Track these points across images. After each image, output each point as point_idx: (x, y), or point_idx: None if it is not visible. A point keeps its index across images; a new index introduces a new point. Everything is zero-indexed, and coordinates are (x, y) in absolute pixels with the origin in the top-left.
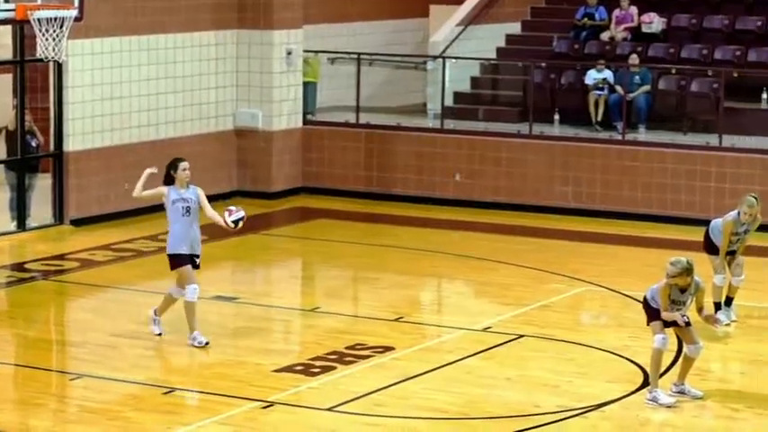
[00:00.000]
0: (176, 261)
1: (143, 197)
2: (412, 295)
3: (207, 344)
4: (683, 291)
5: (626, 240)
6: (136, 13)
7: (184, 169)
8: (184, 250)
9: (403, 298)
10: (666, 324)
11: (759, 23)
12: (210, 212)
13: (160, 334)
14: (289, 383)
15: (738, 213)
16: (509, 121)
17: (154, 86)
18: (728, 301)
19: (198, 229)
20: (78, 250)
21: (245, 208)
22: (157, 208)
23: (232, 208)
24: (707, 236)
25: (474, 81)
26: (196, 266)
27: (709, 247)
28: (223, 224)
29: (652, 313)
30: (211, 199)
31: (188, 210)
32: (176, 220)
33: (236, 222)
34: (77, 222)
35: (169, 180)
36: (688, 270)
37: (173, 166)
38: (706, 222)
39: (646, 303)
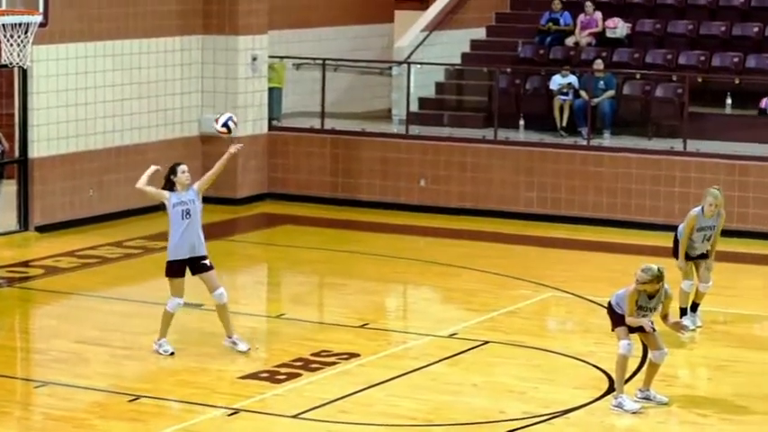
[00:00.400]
0: (170, 269)
1: (146, 191)
2: (377, 301)
3: (172, 353)
4: (650, 297)
5: (591, 246)
6: (101, 19)
7: (183, 172)
8: (184, 255)
9: (368, 304)
10: (632, 330)
11: (723, 29)
12: (215, 168)
13: (249, 349)
14: (254, 390)
15: (702, 208)
16: (474, 127)
17: (119, 92)
18: (694, 307)
19: (199, 230)
20: (43, 257)
21: (211, 209)
22: (123, 214)
23: (217, 116)
24: (675, 241)
25: (439, 86)
26: (209, 267)
27: (678, 252)
28: (225, 159)
29: (617, 319)
30: None
31: (187, 212)
32: (176, 224)
33: (226, 126)
34: (42, 229)
35: (170, 186)
36: (659, 277)
37: (172, 171)
38: (671, 227)
39: (610, 309)
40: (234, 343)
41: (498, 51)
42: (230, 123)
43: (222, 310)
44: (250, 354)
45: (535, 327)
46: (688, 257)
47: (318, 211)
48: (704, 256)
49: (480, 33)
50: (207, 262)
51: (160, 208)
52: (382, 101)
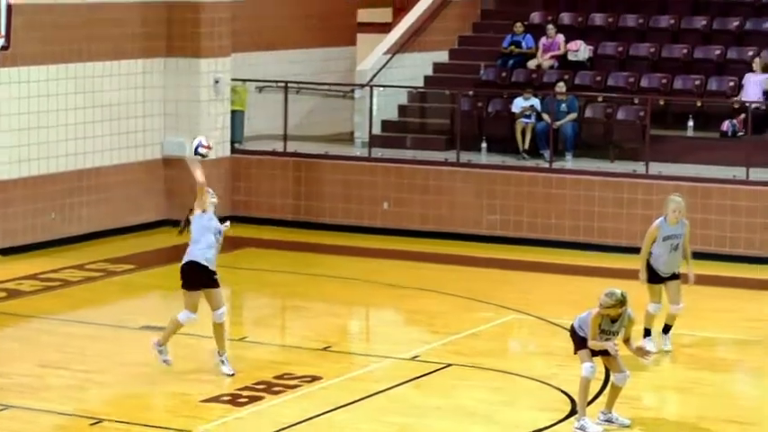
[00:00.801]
0: (187, 275)
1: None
2: (340, 324)
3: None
4: (613, 321)
5: (553, 268)
6: (63, 42)
7: (208, 191)
8: (205, 262)
9: (331, 327)
10: (594, 353)
11: (685, 51)
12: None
13: (233, 374)
14: (216, 414)
15: (665, 217)
16: (437, 149)
17: (81, 115)
18: (666, 329)
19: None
20: (5, 280)
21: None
22: (85, 237)
23: (190, 142)
24: (648, 264)
25: (402, 109)
26: (218, 284)
27: (650, 276)
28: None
29: (579, 342)
30: (138, 228)
31: (219, 231)
32: (207, 232)
33: (198, 154)
34: (4, 252)
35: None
36: (621, 302)
37: None
38: (633, 250)
39: (573, 332)
40: (222, 362)
41: (461, 74)
42: (201, 150)
43: (219, 328)
44: (214, 377)
45: (497, 349)
46: (658, 279)
47: (281, 234)
48: (675, 277)
49: (443, 56)
50: (217, 278)
51: (126, 231)
52: (345, 124)
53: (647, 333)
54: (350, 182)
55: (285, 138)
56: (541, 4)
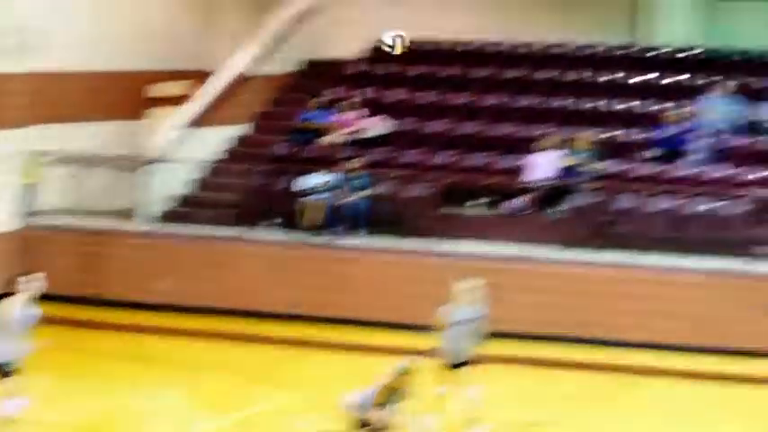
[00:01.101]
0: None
1: None
2: (118, 405)
3: None
4: (395, 394)
5: (344, 347)
6: None
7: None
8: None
9: (109, 407)
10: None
11: (478, 129)
12: None
13: None
14: None
15: (457, 303)
16: (228, 225)
17: None
18: (473, 421)
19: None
20: None
21: None
22: None
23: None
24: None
25: (194, 184)
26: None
27: (443, 360)
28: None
29: (359, 418)
30: None
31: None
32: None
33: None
34: None
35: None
36: (405, 374)
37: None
38: (423, 328)
39: (351, 408)
40: None
41: (257, 149)
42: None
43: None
44: None
45: (280, 429)
46: (451, 364)
47: (66, 310)
48: (468, 362)
49: (240, 130)
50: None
51: None
52: (135, 198)
53: (433, 414)
54: (138, 258)
55: (75, 212)
56: (341, 80)
